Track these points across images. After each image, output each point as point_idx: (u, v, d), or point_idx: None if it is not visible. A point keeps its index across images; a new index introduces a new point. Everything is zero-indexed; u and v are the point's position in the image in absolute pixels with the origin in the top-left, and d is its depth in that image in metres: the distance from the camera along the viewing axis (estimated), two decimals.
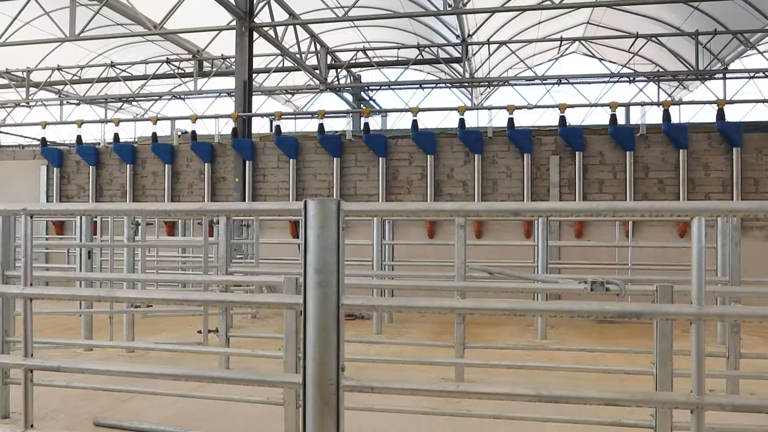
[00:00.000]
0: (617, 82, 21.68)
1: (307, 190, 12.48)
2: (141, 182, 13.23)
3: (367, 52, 18.88)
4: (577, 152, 11.60)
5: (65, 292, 2.77)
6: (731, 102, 12.75)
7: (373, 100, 21.34)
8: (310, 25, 16.53)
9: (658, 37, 18.37)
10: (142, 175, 13.24)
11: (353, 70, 20.13)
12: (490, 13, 16.99)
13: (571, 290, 4.98)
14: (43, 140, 13.64)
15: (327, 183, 12.43)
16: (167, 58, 19.75)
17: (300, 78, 22.75)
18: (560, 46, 19.58)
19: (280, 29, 14.73)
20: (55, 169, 13.49)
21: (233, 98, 23.44)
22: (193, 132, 12.87)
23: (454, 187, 12.06)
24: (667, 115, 11.40)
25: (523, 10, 17.31)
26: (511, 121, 11.77)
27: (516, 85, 21.58)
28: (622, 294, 4.21)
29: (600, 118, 25.77)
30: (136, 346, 6.92)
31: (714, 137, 11.43)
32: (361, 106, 21.17)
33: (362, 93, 20.39)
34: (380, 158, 12.11)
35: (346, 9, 18.12)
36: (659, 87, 21.61)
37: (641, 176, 11.56)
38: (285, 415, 4.69)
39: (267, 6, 13.56)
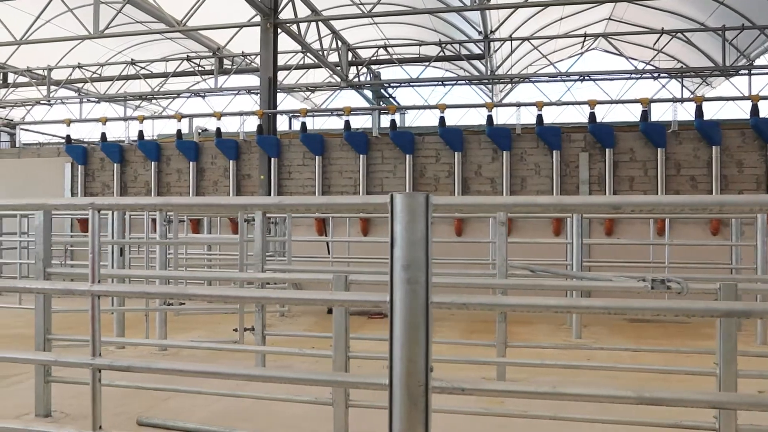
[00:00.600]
0: (640, 78, 21.43)
1: (333, 187, 12.39)
2: (165, 179, 13.19)
3: (387, 49, 18.74)
4: (607, 149, 11.43)
5: (134, 289, 2.67)
6: (765, 98, 12.52)
7: (393, 98, 21.21)
8: (332, 22, 16.42)
9: (684, 33, 18.05)
10: (167, 172, 13.20)
11: (373, 67, 20.02)
12: (513, 9, 16.82)
13: (628, 289, 4.86)
14: (68, 137, 13.63)
15: (353, 180, 12.34)
16: (187, 56, 19.71)
17: (318, 75, 22.68)
18: (584, 42, 19.36)
19: (302, 26, 14.64)
20: (79, 166, 13.48)
21: (252, 96, 23.50)
22: (218, 129, 12.81)
23: (482, 185, 11.93)
24: (699, 111, 11.21)
25: (547, 5, 17.14)
26: (540, 117, 11.63)
27: (537, 81, 21.37)
28: (685, 292, 4.09)
29: (622, 115, 25.58)
30: (174, 344, 6.86)
31: (748, 133, 11.23)
32: (381, 103, 21.06)
33: (382, 90, 20.24)
34: (407, 155, 12.00)
35: (367, 6, 18.08)
36: (682, 84, 21.33)
37: (672, 173, 11.38)
38: (334, 415, 4.60)
39: (290, 3, 13.46)
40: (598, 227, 11.44)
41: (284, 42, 16.87)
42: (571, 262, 9.00)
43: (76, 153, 13.45)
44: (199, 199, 4.00)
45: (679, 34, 19.15)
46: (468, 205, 2.95)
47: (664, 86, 22.21)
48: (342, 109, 12.36)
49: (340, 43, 17.48)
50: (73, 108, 23.33)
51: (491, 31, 17.46)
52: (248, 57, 18.75)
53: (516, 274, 6.80)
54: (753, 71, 19.23)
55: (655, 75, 20.56)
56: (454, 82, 21.09)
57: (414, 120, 25.27)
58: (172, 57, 20.92)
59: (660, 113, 22.89)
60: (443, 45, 17.89)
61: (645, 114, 11.44)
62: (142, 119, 13.15)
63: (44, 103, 21.59)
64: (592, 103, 11.56)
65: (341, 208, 2.73)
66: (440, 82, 20.87)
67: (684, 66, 21.12)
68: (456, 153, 11.86)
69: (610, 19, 21.80)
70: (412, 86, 21.47)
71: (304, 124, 12.45)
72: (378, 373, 6.75)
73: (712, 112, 23.35)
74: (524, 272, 6.64)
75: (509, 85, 22.90)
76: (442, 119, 11.83)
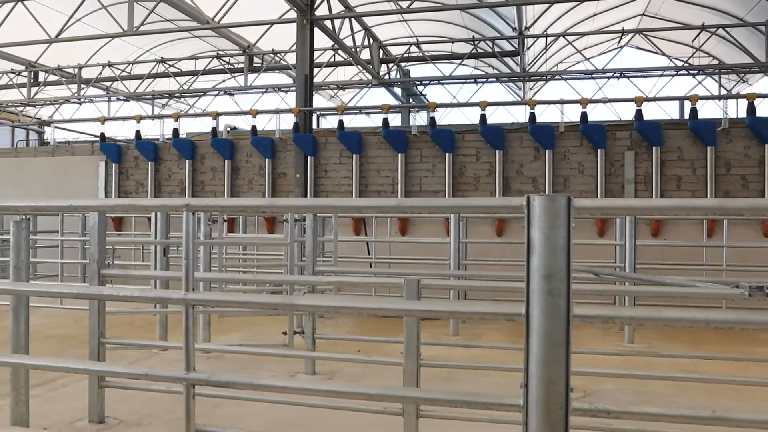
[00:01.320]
0: (676, 75, 20.98)
1: (370, 186, 12.17)
2: (200, 178, 13.06)
3: (420, 46, 18.49)
4: (654, 147, 11.10)
5: (231, 298, 2.47)
6: None
7: (423, 95, 20.96)
8: (363, 19, 16.22)
9: (725, 28, 17.60)
10: (201, 170, 13.07)
11: (402, 64, 19.78)
12: (548, 5, 16.50)
13: (720, 296, 4.59)
14: (102, 135, 13.56)
15: (391, 179, 12.12)
16: (217, 53, 19.61)
17: (345, 73, 22.49)
18: (620, 38, 18.97)
19: (336, 23, 14.44)
20: (113, 164, 13.39)
21: (280, 94, 23.38)
22: (254, 127, 12.65)
23: (523, 184, 11.65)
24: (751, 108, 10.84)
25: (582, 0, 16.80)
26: (584, 115, 11.32)
27: (570, 79, 21.00)
28: None
29: (654, 112, 25.09)
30: (225, 349, 6.68)
31: None
32: (411, 100, 20.81)
33: (413, 88, 19.99)
34: (446, 154, 11.75)
35: (399, 2, 17.83)
36: (720, 81, 20.85)
37: (722, 172, 11.01)
38: (405, 427, 4.39)
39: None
40: (644, 228, 11.10)
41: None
42: (623, 264, 8.72)
43: (111, 151, 13.37)
44: (306, 201, 3.73)
45: (722, 29, 18.68)
46: (615, 208, 2.69)
47: (700, 83, 21.73)
48: (380, 106, 12.12)
49: (371, 40, 17.26)
50: (101, 106, 23.37)
51: (526, 27, 17.14)
52: (278, 54, 18.58)
53: (577, 278, 6.53)
54: None
55: (693, 72, 20.05)
56: (486, 79, 20.78)
57: (441, 118, 25.01)
58: (201, 55, 20.85)
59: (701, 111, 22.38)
60: (476, 42, 17.59)
61: (694, 111, 11.09)
62: (177, 117, 13.02)
63: (74, 102, 21.62)
64: (638, 100, 11.23)
65: (474, 211, 2.50)
66: (473, 80, 20.56)
67: (721, 62, 20.61)
68: (497, 151, 11.59)
69: (644, 14, 21.40)
70: (442, 84, 21.19)
71: (341, 122, 12.25)
72: (448, 380, 6.48)
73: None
74: (587, 276, 6.37)
75: (540, 83, 22.53)
76: (483, 117, 11.56)
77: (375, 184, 12.17)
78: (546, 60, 20.39)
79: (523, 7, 15.64)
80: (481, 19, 18.80)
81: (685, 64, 19.54)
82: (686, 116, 20.35)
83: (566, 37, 17.86)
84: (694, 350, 7.93)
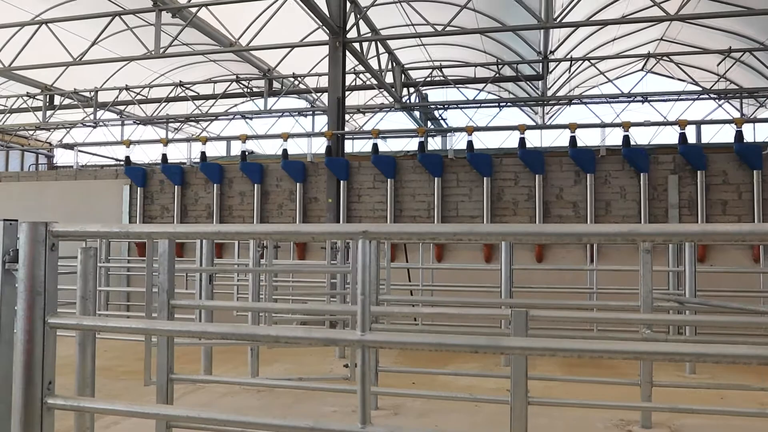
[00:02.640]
0: (697, 99, 20.92)
1: (404, 211, 11.89)
2: (228, 203, 12.76)
3: (442, 70, 18.38)
4: (698, 171, 10.87)
5: (413, 339, 2.16)
6: None
7: (444, 119, 20.80)
8: (388, 42, 16.09)
9: (752, 53, 17.55)
10: (229, 195, 12.77)
11: (422, 88, 19.64)
12: (573, 28, 16.43)
13: None
14: (127, 159, 13.27)
15: (426, 204, 11.84)
16: (237, 77, 19.44)
17: (358, 97, 22.35)
18: (646, 61, 18.92)
19: (364, 46, 14.29)
20: (138, 188, 13.09)
21: (295, 118, 23.20)
22: (285, 150, 12.38)
23: (563, 209, 11.39)
24: None
25: (606, 24, 16.74)
26: (626, 138, 11.11)
27: (592, 103, 20.89)
28: None
29: (668, 137, 24.97)
30: (279, 384, 6.31)
31: None
32: (429, 124, 20.64)
33: (434, 112, 19.84)
34: (484, 178, 11.49)
35: (418, 27, 17.74)
36: (741, 105, 20.79)
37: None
38: None
39: (356, 23, 13.13)
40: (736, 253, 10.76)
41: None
42: (682, 291, 8.41)
43: (136, 175, 13.08)
44: (492, 227, 3.40)
45: (736, 54, 18.64)
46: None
47: (720, 106, 21.67)
48: (416, 130, 11.88)
49: (394, 64, 17.12)
50: (114, 130, 23.15)
51: (551, 51, 17.03)
52: (298, 78, 18.42)
53: (662, 306, 6.23)
54: None
55: (714, 96, 19.99)
56: (506, 103, 20.64)
57: (456, 143, 24.83)
58: (218, 79, 20.67)
59: (709, 135, 22.35)
60: (500, 66, 17.46)
61: (739, 134, 10.87)
62: (204, 140, 12.76)
63: (89, 125, 21.40)
64: (682, 124, 11.03)
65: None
66: (496, 104, 20.41)
67: (740, 87, 20.55)
68: (537, 176, 11.33)
69: (662, 39, 21.37)
70: (460, 107, 21.02)
71: (375, 146, 11.99)
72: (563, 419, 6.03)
73: (764, 134, 22.79)
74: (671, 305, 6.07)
75: (556, 107, 22.43)
76: (522, 140, 11.34)
77: (410, 209, 11.88)
78: (568, 84, 20.31)
79: (551, 31, 15.54)
80: (502, 43, 18.72)
81: (709, 89, 19.42)
82: (705, 140, 20.28)
83: (591, 60, 17.75)
84: (761, 381, 7.61)
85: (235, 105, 24.27)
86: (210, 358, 7.55)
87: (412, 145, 22.65)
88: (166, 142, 13.01)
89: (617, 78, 24.13)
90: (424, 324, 9.29)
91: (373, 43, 14.96)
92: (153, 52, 13.08)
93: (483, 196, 11.52)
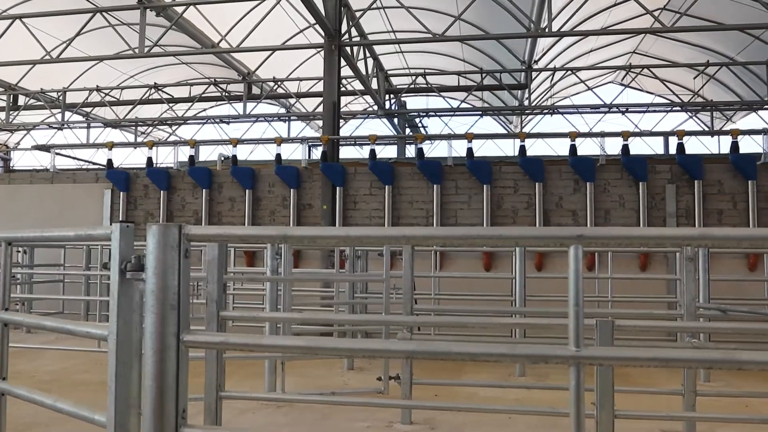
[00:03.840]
0: (671, 111, 21.39)
1: (402, 218, 11.67)
2: (217, 208, 12.31)
3: (424, 77, 18.26)
4: (696, 181, 10.99)
5: (632, 354, 1.95)
6: None
7: (425, 127, 20.69)
8: (375, 48, 15.89)
9: (728, 66, 18.00)
10: (218, 200, 12.32)
11: (403, 95, 19.49)
12: (557, 39, 16.56)
13: None
14: (109, 162, 12.68)
15: (425, 211, 11.64)
16: (214, 80, 18.89)
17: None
18: (627, 73, 19.24)
19: (354, 50, 14.03)
20: (121, 193, 12.51)
21: (271, 123, 22.74)
22: (278, 155, 12.03)
23: (563, 217, 11.35)
24: None
25: (587, 34, 16.93)
26: (625, 147, 11.16)
27: (575, 113, 21.12)
28: None
29: (638, 148, 25.42)
30: (305, 399, 5.99)
31: None
32: (407, 131, 20.50)
33: (414, 119, 19.70)
34: (484, 186, 11.37)
35: (398, 34, 17.61)
36: (712, 118, 21.33)
37: (763, 206, 10.95)
38: None
39: (349, 27, 12.89)
40: (731, 261, 10.81)
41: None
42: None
43: (118, 179, 12.49)
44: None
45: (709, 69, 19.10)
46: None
47: (690, 117, 22.21)
48: (415, 136, 11.68)
49: (377, 71, 16.92)
50: (79, 133, 22.24)
51: (535, 61, 17.13)
52: (278, 82, 18.04)
53: (705, 315, 6.16)
54: None
55: (689, 109, 20.48)
56: (491, 112, 20.67)
57: (430, 151, 24.77)
58: (194, 81, 20.09)
59: (692, 147, 22.79)
60: (483, 74, 17.45)
61: (735, 145, 11.06)
62: (193, 144, 12.30)
63: (55, 126, 20.46)
64: (680, 134, 11.15)
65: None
66: (479, 113, 20.40)
67: (711, 101, 21.07)
68: (537, 183, 11.27)
69: (634, 52, 21.79)
70: (438, 116, 20.96)
71: (373, 152, 11.75)
72: None
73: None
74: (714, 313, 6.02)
75: (530, 116, 22.61)
76: (522, 148, 11.28)
77: (408, 216, 11.67)
78: (546, 93, 20.48)
79: (539, 40, 15.62)
80: (484, 52, 18.75)
81: (687, 102, 19.84)
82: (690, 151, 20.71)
83: (574, 71, 17.91)
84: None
85: (204, 110, 23.65)
86: (275, 372, 7.06)
87: (388, 152, 22.50)
88: (152, 144, 12.47)
89: (587, 90, 24.59)
90: (440, 334, 9.09)
91: (362, 48, 14.73)
92: (137, 51, 12.54)
93: (483, 203, 11.39)
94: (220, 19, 14.83)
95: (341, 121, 23.41)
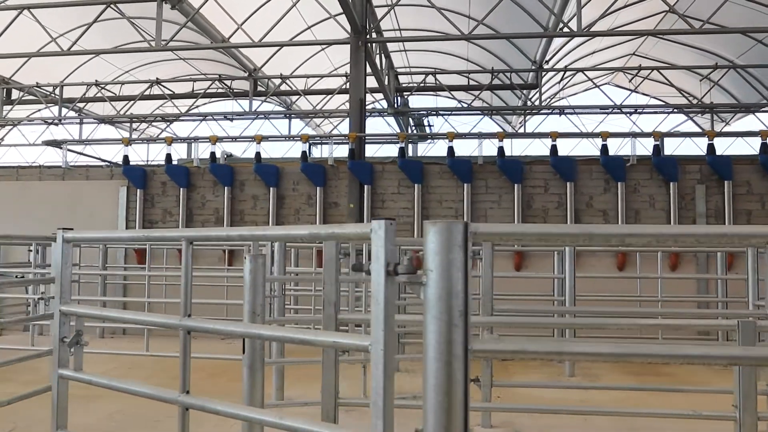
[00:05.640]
0: (671, 113, 21.63)
1: (431, 217, 11.45)
2: (239, 207, 12.00)
3: (436, 76, 18.12)
4: (725, 181, 11.04)
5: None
6: None
7: (431, 126, 20.56)
8: (388, 46, 15.70)
9: (737, 69, 18.23)
10: (241, 198, 12.01)
11: (406, 94, 19.33)
12: (567, 39, 16.57)
13: None
14: (125, 158, 12.28)
15: (454, 210, 11.50)
16: (219, 76, 18.47)
17: (332, 103, 21.79)
18: (637, 73, 19.37)
19: (373, 48, 13.82)
20: (138, 190, 12.11)
21: (268, 120, 22.35)
22: (304, 153, 11.77)
23: (593, 217, 11.30)
24: None
25: (594, 35, 17.00)
26: (656, 148, 11.17)
27: (582, 113, 21.18)
28: None
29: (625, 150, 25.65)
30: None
31: None
32: (411, 130, 20.34)
33: (421, 118, 19.55)
34: (515, 185, 11.28)
35: (404, 32, 17.46)
36: (712, 120, 21.59)
37: None
38: None
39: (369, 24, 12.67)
40: None
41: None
42: None
43: (135, 175, 12.10)
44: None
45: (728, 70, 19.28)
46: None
47: (689, 119, 22.47)
48: (446, 134, 11.55)
49: (388, 69, 16.73)
50: (71, 129, 21.57)
51: (546, 61, 17.11)
52: (287, 80, 17.71)
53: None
54: None
55: (700, 110, 20.76)
56: (494, 112, 20.62)
57: (426, 150, 24.64)
58: (198, 77, 19.63)
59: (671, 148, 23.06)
60: (495, 74, 17.38)
61: (765, 146, 11.12)
62: (215, 140, 11.95)
63: (52, 123, 19.80)
64: (710, 135, 11.20)
65: None
66: (490, 113, 20.34)
67: (703, 103, 21.31)
68: (567, 183, 11.21)
69: (634, 54, 21.96)
70: (441, 115, 20.84)
71: (402, 150, 11.57)
72: None
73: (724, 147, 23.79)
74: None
75: (542, 116, 22.70)
76: (554, 147, 11.21)
77: (437, 215, 11.51)
78: (558, 93, 20.52)
79: (554, 40, 15.60)
80: (491, 52, 18.67)
81: (697, 103, 20.08)
82: (685, 152, 20.89)
83: (585, 72, 17.95)
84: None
85: (197, 106, 23.13)
86: (282, 376, 6.86)
87: (386, 151, 22.28)
88: (170, 141, 12.10)
89: (585, 91, 24.74)
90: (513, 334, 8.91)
91: (377, 46, 14.52)
92: (154, 44, 12.15)
93: (513, 203, 11.30)
94: (232, 13, 14.50)
95: (322, 119, 23.21)
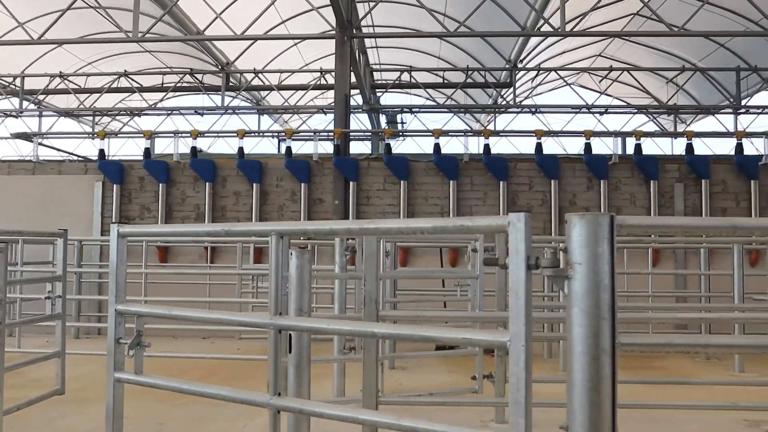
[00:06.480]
0: (637, 113, 22.16)
1: (417, 214, 11.49)
2: (221, 203, 11.74)
3: (411, 73, 18.10)
4: (703, 180, 11.37)
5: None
6: None
7: (403, 123, 20.54)
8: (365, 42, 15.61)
9: (703, 72, 18.79)
10: (222, 194, 11.76)
11: (377, 91, 19.28)
12: (542, 38, 16.79)
13: None
14: (101, 152, 11.87)
15: (439, 207, 11.52)
16: (191, 70, 18.02)
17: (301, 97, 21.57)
18: (607, 74, 19.75)
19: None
20: (114, 186, 11.72)
21: (236, 114, 21.94)
22: (288, 148, 11.64)
23: None
24: None
25: (565, 35, 17.26)
26: (638, 147, 11.43)
27: (551, 112, 21.49)
28: None
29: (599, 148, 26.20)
30: (407, 401, 5.76)
31: None
32: (383, 126, 20.30)
33: (395, 115, 19.52)
34: (500, 182, 11.36)
35: (383, 28, 17.41)
36: (675, 121, 22.23)
37: (764, 205, 11.46)
38: None
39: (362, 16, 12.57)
40: None
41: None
42: None
43: (111, 170, 11.70)
44: None
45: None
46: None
47: (653, 120, 23.06)
48: (431, 131, 11.55)
49: (364, 65, 16.64)
50: (30, 122, 20.74)
51: (520, 60, 17.29)
52: (261, 74, 17.43)
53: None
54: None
55: (665, 111, 21.34)
56: (468, 110, 20.76)
57: (397, 147, 24.61)
58: (168, 71, 19.12)
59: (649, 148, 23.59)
60: (469, 72, 17.49)
61: (740, 146, 11.51)
62: (196, 135, 11.66)
63: (11, 115, 18.97)
64: (689, 135, 11.52)
65: None
66: (464, 110, 20.43)
67: (663, 104, 21.92)
68: (552, 181, 11.36)
69: (600, 55, 22.41)
70: (413, 113, 20.88)
71: (388, 146, 11.55)
72: None
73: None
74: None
75: (511, 114, 22.98)
76: (538, 145, 11.35)
77: (422, 212, 11.51)
78: (532, 91, 20.78)
79: (532, 40, 15.79)
80: (464, 50, 18.77)
81: (665, 103, 20.62)
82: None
83: (558, 72, 18.23)
84: None
85: (168, 98, 22.49)
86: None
87: (356, 148, 22.16)
88: (149, 134, 11.75)
89: (550, 91, 25.16)
90: None
91: (355, 42, 14.41)
92: (131, 35, 11.78)
93: (499, 200, 11.39)
94: (210, 3, 14.19)
95: (290, 115, 22.94)
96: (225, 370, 8.29)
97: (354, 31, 11.94)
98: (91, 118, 20.81)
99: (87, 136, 17.13)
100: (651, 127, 23.47)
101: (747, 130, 11.92)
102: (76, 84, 18.92)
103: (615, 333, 1.96)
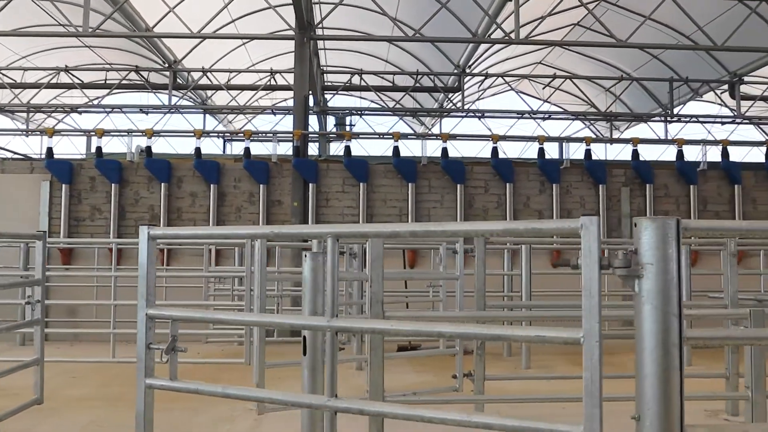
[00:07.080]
0: (575, 119, 22.97)
1: (376, 216, 11.59)
2: (176, 204, 11.49)
3: (362, 76, 18.17)
4: (647, 184, 11.95)
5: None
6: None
7: (351, 125, 20.56)
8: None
9: (639, 81, 19.68)
10: (178, 195, 11.51)
11: (327, 93, 19.29)
12: (489, 45, 17.21)
13: None
14: (49, 151, 11.39)
15: (398, 209, 11.66)
16: (137, 67, 17.46)
17: (241, 98, 21.31)
18: (550, 82, 20.38)
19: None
20: (63, 185, 11.28)
21: (185, 116, 21.46)
22: (247, 149, 11.47)
23: (530, 216, 11.86)
24: (725, 152, 12.17)
25: (510, 43, 17.77)
26: (588, 152, 11.90)
27: (499, 117, 22.01)
28: None
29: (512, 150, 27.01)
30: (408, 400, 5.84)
31: (759, 174, 12.37)
32: (333, 128, 20.31)
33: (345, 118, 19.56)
34: (458, 185, 11.61)
35: (326, 29, 17.46)
36: (611, 127, 23.20)
37: (701, 208, 12.15)
38: None
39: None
40: None
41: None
42: None
43: (60, 169, 11.26)
44: None
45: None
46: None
47: (589, 126, 23.97)
48: (392, 134, 11.68)
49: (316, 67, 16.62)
50: None
51: (469, 66, 17.66)
52: (211, 72, 17.12)
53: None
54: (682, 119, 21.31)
55: (600, 117, 22.21)
56: (415, 114, 20.99)
57: (338, 149, 24.61)
58: (111, 67, 18.47)
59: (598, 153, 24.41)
60: (418, 76, 17.73)
61: (680, 153, 12.15)
62: (150, 134, 11.37)
63: None
64: (635, 141, 12.07)
65: None
66: (412, 113, 20.61)
67: (599, 111, 22.86)
68: (507, 184, 11.69)
69: (540, 63, 23.15)
70: (362, 115, 20.98)
71: (348, 148, 11.57)
72: None
73: (612, 154, 25.64)
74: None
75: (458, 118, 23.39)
76: (495, 149, 11.65)
77: (381, 214, 11.62)
78: (479, 96, 21.21)
79: (480, 46, 16.15)
80: (413, 54, 19.01)
81: (604, 111, 21.47)
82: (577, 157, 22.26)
83: (505, 78, 18.71)
84: None
85: (97, 98, 21.77)
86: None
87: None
88: (101, 133, 11.36)
89: (492, 96, 25.80)
90: None
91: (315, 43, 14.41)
92: (81, 29, 11.37)
93: (456, 202, 11.62)
94: (155, 1, 13.89)
95: (234, 116, 22.65)
96: (202, 372, 8.08)
97: (312, 33, 11.92)
98: (25, 114, 19.86)
99: (21, 133, 16.29)
100: (587, 132, 24.41)
101: (684, 138, 12.53)
102: (11, 78, 18.04)
103: (682, 328, 2.12)
